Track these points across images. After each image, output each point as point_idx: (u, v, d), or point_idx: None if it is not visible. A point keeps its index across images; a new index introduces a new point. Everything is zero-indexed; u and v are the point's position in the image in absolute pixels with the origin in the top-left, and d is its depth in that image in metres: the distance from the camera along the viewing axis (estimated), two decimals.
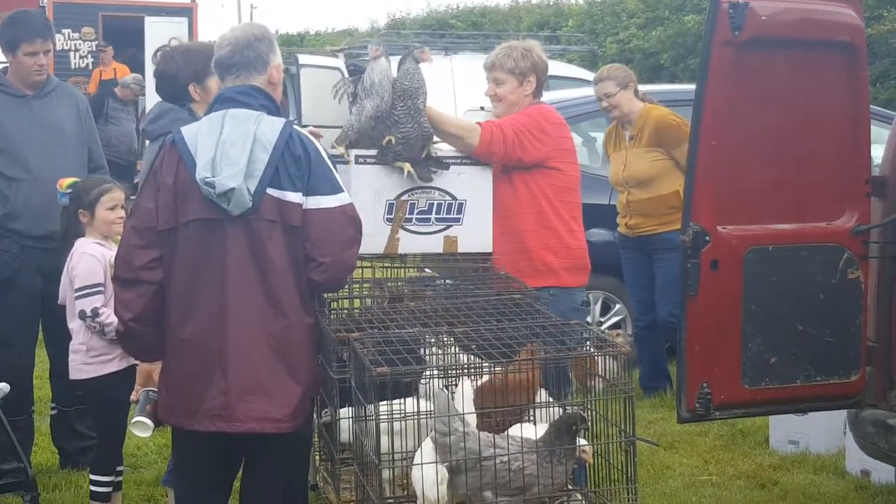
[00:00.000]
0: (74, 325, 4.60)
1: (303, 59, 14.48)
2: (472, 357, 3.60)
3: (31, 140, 5.26)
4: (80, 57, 16.76)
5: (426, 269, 4.69)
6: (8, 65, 5.47)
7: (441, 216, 4.40)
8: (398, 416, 3.29)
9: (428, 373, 3.51)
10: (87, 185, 4.75)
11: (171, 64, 4.64)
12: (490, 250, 4.47)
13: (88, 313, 4.46)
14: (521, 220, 4.51)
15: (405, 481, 3.44)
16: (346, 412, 3.60)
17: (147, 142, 4.83)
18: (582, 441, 3.33)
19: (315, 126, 4.32)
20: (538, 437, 3.28)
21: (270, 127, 3.48)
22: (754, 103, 4.18)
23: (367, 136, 4.31)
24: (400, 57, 4.40)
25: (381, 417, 3.26)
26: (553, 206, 4.54)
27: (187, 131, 3.53)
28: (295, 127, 3.56)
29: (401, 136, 4.25)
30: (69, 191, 4.73)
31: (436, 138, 4.37)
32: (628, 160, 6.58)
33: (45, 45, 5.31)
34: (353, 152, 4.30)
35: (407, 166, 4.27)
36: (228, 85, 3.62)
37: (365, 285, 4.29)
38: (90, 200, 4.66)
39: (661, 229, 6.41)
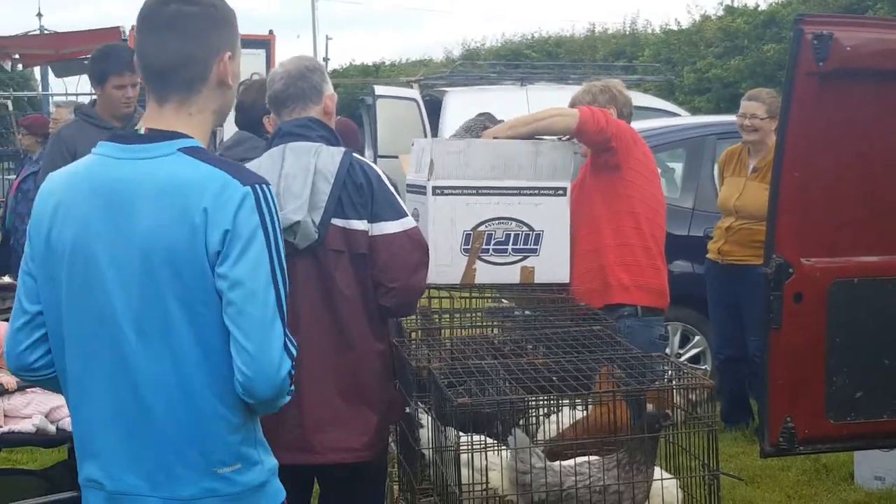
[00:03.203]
0: None
1: (379, 90, 14.63)
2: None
3: None
4: None
5: (503, 300, 4.68)
6: (97, 97, 5.62)
7: (518, 247, 4.39)
8: (477, 447, 3.28)
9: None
10: None
11: (249, 95, 4.72)
12: (567, 281, 4.46)
13: None
14: (598, 238, 4.53)
15: None
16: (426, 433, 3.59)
17: None
18: (665, 475, 3.30)
19: (391, 155, 4.37)
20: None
21: (330, 157, 3.50)
22: (838, 134, 4.13)
23: None
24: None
25: (462, 449, 3.25)
26: (636, 223, 4.56)
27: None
28: (355, 155, 3.59)
29: None
30: None
31: None
32: (745, 190, 6.44)
33: (133, 79, 5.43)
34: (431, 183, 4.33)
35: None
36: (285, 119, 3.63)
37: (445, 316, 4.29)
38: None
39: (753, 261, 6.25)
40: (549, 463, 3.20)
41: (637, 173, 4.57)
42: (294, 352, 2.35)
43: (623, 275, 4.53)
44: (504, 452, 3.25)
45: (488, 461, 3.26)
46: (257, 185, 2.32)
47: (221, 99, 2.47)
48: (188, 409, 2.32)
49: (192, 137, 2.39)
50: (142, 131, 2.40)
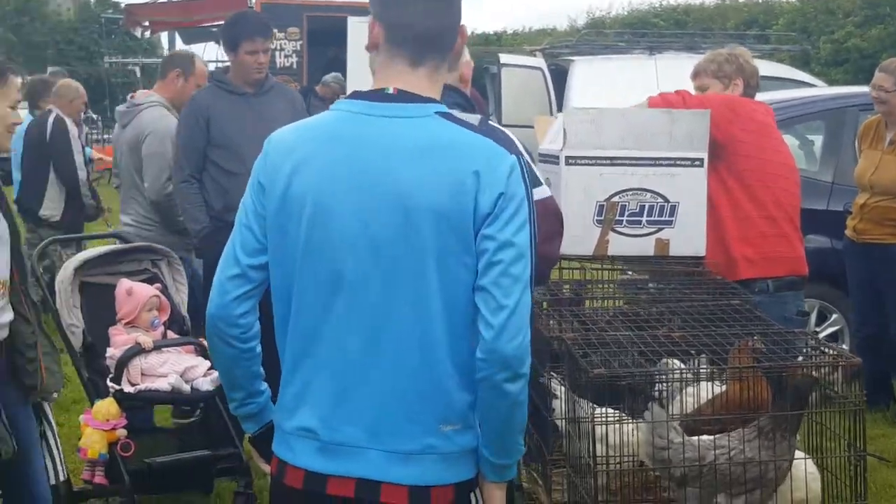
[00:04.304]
0: None
1: (504, 58, 14.54)
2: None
3: (250, 136, 5.42)
4: (286, 56, 17.26)
5: (629, 272, 4.59)
6: (230, 63, 5.68)
7: (652, 218, 4.29)
8: (612, 420, 3.21)
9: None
10: None
11: None
12: (703, 254, 4.34)
13: None
14: (715, 212, 4.43)
15: (620, 484, 3.36)
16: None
17: None
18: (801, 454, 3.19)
19: (516, 125, 4.28)
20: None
21: None
22: None
23: None
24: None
25: (597, 421, 3.19)
26: (750, 195, 4.49)
27: None
28: (491, 122, 3.53)
29: None
30: None
31: None
32: (881, 164, 6.12)
33: (265, 44, 5.49)
34: (564, 153, 4.25)
35: None
36: None
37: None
38: None
39: (889, 240, 5.98)
40: (687, 438, 3.12)
41: (743, 143, 4.48)
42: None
43: (747, 249, 4.46)
44: (641, 425, 3.18)
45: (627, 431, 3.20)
46: (520, 157, 2.38)
47: (454, 67, 2.60)
48: (426, 363, 2.33)
49: (442, 103, 2.44)
50: (389, 90, 2.43)
